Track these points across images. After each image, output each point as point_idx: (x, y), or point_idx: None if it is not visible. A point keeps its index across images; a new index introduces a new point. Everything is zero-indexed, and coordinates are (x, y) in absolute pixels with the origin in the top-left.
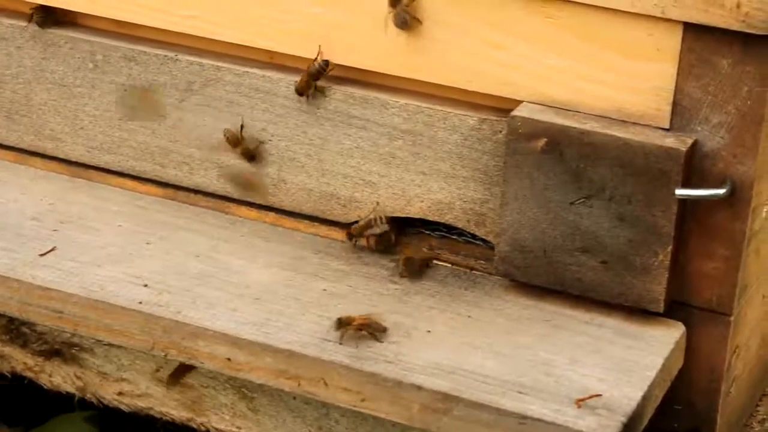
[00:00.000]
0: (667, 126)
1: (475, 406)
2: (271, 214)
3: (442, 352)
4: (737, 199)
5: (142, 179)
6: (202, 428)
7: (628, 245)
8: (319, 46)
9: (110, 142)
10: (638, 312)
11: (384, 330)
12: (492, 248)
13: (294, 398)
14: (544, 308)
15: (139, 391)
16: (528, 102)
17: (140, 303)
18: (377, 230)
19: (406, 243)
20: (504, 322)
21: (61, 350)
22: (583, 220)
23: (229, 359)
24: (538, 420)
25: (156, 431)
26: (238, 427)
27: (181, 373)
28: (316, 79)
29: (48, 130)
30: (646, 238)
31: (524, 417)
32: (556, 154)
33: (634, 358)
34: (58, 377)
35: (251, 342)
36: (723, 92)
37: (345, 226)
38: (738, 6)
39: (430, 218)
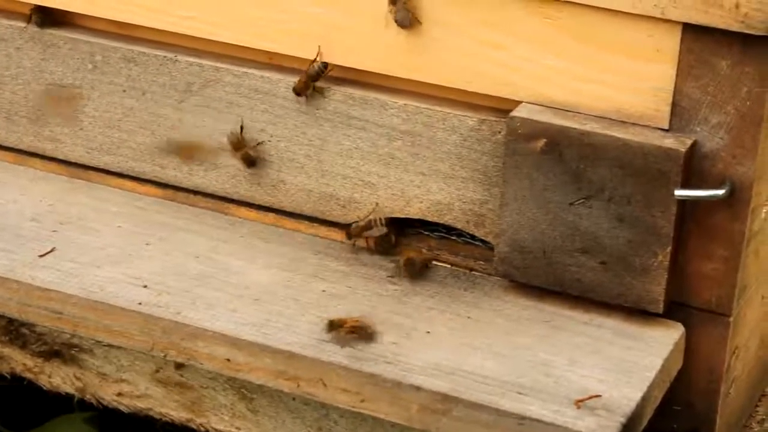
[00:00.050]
0: (666, 127)
1: (475, 407)
2: (271, 215)
3: (442, 352)
4: (736, 200)
5: (141, 180)
6: (202, 429)
7: (628, 246)
8: (319, 46)
9: (109, 143)
10: (637, 313)
11: (374, 336)
12: (491, 249)
13: (293, 399)
14: (543, 309)
15: (138, 391)
16: (527, 102)
17: (140, 304)
18: (376, 232)
19: (405, 244)
20: (503, 322)
21: (60, 351)
22: (582, 220)
23: (228, 360)
24: (538, 420)
25: None
26: (238, 428)
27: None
28: (315, 81)
29: (47, 131)
30: (646, 239)
31: (523, 417)
32: (556, 154)
33: (634, 358)
34: (58, 378)
35: (250, 343)
36: (722, 93)
37: (344, 226)
38: (737, 6)
39: (430, 219)
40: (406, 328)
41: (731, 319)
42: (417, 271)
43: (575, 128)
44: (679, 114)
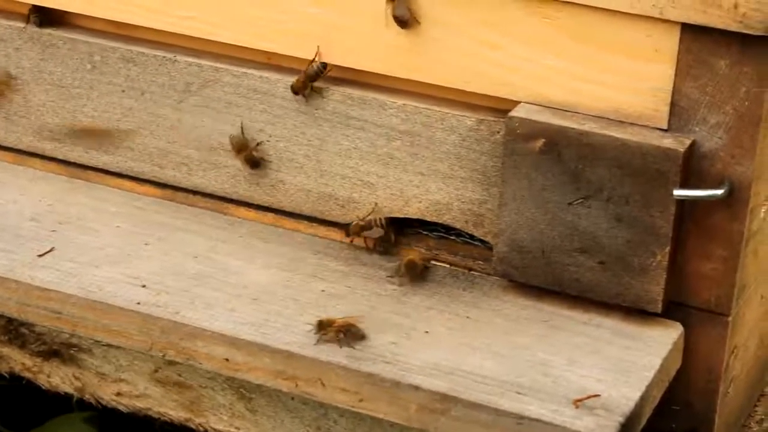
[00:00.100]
0: (665, 127)
1: (473, 407)
2: (270, 215)
3: (441, 352)
4: (735, 200)
5: (140, 180)
6: (201, 429)
7: (626, 246)
8: (318, 47)
9: (109, 143)
10: (636, 312)
11: (363, 337)
12: (490, 249)
13: (292, 399)
14: (542, 309)
15: (137, 391)
16: (526, 103)
17: (138, 303)
18: (375, 233)
19: (405, 244)
20: (502, 322)
21: (59, 351)
22: (581, 220)
23: (227, 360)
24: (536, 420)
25: None
26: (237, 428)
27: None
28: (313, 81)
29: (47, 131)
30: (644, 239)
31: (522, 417)
32: (554, 154)
33: (632, 358)
34: (57, 378)
35: (249, 342)
36: (721, 93)
37: (343, 226)
38: (735, 7)
39: (429, 219)
40: (405, 328)
41: (730, 318)
42: (418, 274)
43: (574, 128)
44: (678, 114)
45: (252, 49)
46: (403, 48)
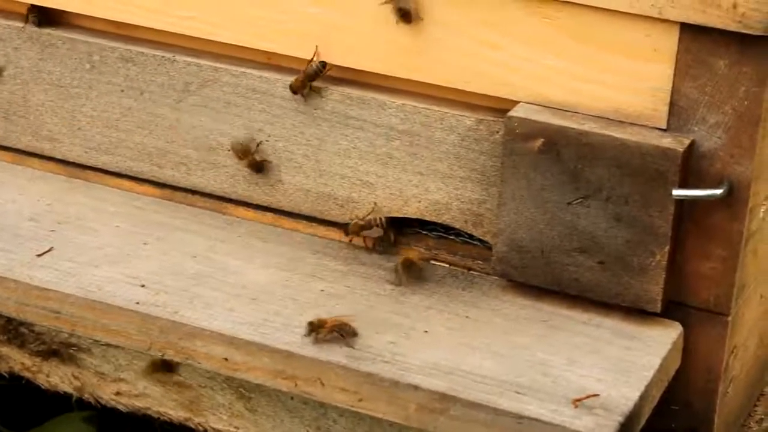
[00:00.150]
0: (664, 126)
1: (473, 406)
2: (269, 215)
3: (440, 352)
4: (734, 200)
5: (139, 180)
6: (200, 428)
7: (626, 245)
8: (316, 46)
9: (108, 142)
10: (636, 312)
11: (355, 334)
12: (489, 248)
13: (291, 398)
14: (541, 308)
15: (136, 391)
16: (525, 102)
17: (137, 303)
18: (374, 233)
19: (404, 243)
20: (501, 322)
21: (58, 350)
22: (580, 220)
23: (226, 359)
24: (536, 420)
25: (154, 431)
26: (236, 427)
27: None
28: (312, 80)
29: (45, 130)
30: (644, 239)
31: (521, 417)
32: (553, 154)
33: (632, 358)
34: (56, 377)
35: (248, 342)
36: (720, 93)
37: (343, 226)
38: (734, 6)
39: (428, 218)
40: (405, 328)
41: (729, 318)
42: (417, 275)
43: (573, 128)
44: (677, 114)
45: (252, 49)
46: (403, 48)
